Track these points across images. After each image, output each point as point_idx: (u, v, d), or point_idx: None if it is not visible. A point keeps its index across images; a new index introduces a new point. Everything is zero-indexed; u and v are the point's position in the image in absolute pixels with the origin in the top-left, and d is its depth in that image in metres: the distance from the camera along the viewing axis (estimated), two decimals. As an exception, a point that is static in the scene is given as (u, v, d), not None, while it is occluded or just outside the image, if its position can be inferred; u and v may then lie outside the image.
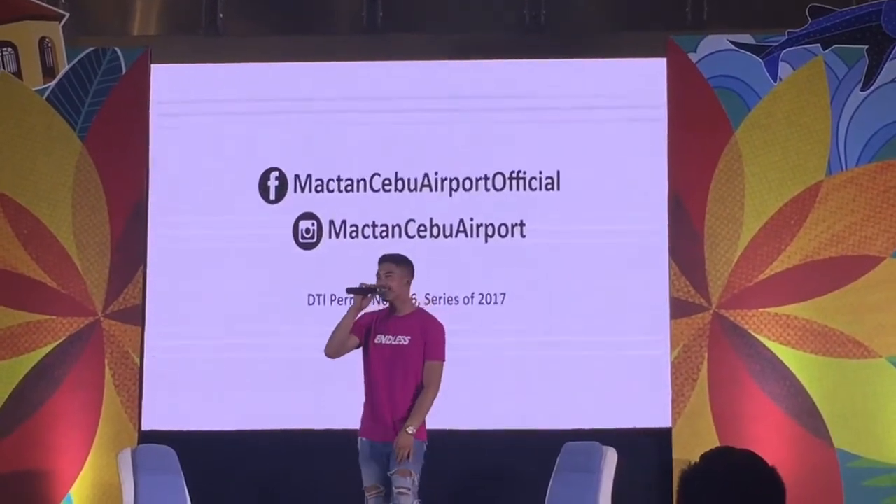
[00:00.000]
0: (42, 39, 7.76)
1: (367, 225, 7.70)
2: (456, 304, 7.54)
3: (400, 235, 7.64)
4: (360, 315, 6.50)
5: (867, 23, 7.50)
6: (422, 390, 6.38)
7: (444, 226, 7.69)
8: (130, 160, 7.71)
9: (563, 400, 7.50)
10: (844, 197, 7.46)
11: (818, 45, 7.52)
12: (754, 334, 7.41)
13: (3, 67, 7.74)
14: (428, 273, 7.02)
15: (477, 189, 7.70)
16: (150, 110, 7.75)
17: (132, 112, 7.73)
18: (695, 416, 7.36)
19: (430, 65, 7.86)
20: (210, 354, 7.63)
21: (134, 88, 7.73)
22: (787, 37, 7.55)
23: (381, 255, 6.61)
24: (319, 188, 7.76)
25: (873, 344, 7.35)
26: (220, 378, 7.60)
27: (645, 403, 7.49)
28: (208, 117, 7.81)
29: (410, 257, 6.61)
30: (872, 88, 7.50)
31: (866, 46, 7.51)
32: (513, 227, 7.66)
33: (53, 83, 7.74)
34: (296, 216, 7.75)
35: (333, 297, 7.53)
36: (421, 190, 7.73)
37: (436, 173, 7.73)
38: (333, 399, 7.30)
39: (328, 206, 7.73)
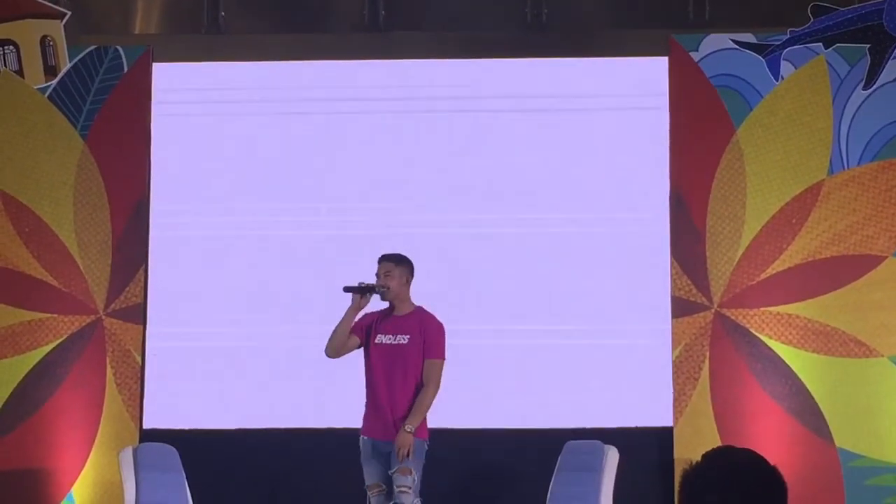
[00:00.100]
0: (44, 38, 7.75)
1: (368, 223, 7.70)
2: (456, 303, 7.53)
3: (400, 234, 7.64)
4: (360, 315, 6.50)
5: (869, 22, 7.50)
6: (421, 389, 6.39)
7: (445, 224, 7.69)
8: (132, 158, 7.71)
9: (564, 399, 7.50)
10: (846, 196, 7.46)
11: (820, 43, 7.51)
12: (756, 333, 7.40)
13: (5, 66, 7.73)
14: (428, 271, 7.02)
15: (479, 187, 7.70)
16: (152, 109, 7.75)
17: (134, 110, 7.73)
18: (696, 416, 7.36)
19: (431, 63, 7.86)
20: (211, 353, 7.62)
21: (135, 87, 7.73)
22: (788, 36, 7.54)
23: (380, 254, 6.60)
24: (320, 186, 7.76)
25: (875, 343, 7.35)
26: (221, 376, 7.60)
27: (646, 402, 7.48)
28: (210, 116, 7.81)
29: (411, 256, 6.61)
30: (874, 87, 7.50)
31: (868, 45, 7.50)
32: (514, 226, 7.66)
33: (55, 81, 7.73)
34: (297, 215, 7.75)
35: (334, 296, 7.52)
36: (423, 187, 7.72)
37: (437, 170, 7.73)
38: (335, 398, 7.30)
39: (329, 204, 7.73)
